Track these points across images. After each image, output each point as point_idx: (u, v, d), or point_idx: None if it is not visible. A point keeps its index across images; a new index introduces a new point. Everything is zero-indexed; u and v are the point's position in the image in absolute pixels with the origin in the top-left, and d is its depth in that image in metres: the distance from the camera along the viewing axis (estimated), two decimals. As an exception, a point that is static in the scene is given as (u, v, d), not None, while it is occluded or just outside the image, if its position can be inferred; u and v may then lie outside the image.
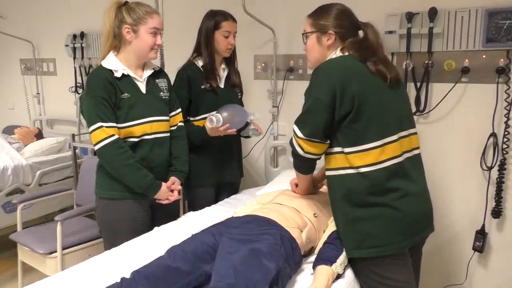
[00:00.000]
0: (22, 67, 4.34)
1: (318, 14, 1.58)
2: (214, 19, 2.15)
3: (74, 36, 3.72)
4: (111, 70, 1.83)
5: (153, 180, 1.86)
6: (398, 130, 1.49)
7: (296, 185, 1.86)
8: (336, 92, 1.41)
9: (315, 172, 1.78)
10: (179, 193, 2.02)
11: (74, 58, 3.77)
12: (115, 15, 1.82)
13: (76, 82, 3.84)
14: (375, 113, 1.44)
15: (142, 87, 1.91)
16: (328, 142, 1.50)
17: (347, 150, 1.46)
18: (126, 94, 1.84)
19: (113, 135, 1.77)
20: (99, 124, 1.76)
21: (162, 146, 1.96)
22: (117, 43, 1.87)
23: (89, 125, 1.79)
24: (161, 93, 1.98)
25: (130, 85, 1.87)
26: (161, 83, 2.00)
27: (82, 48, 3.70)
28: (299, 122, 1.52)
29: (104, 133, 1.76)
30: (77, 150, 3.32)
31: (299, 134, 1.50)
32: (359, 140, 1.44)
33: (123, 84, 1.85)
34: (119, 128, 1.82)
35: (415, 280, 1.63)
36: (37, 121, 4.19)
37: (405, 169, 1.48)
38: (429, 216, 1.59)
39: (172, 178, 1.98)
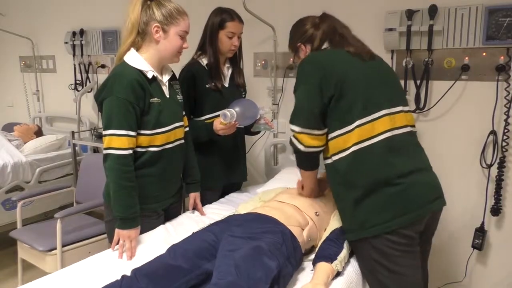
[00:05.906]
0: (22, 64, 4.33)
1: (290, 38, 1.79)
2: (220, 17, 2.09)
3: (74, 33, 3.71)
4: (139, 70, 1.66)
5: (138, 213, 1.67)
6: (386, 106, 1.50)
7: (303, 187, 1.83)
8: (323, 72, 1.50)
9: (319, 176, 1.78)
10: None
11: (74, 55, 3.77)
12: (142, 8, 1.65)
13: (75, 80, 3.83)
14: (359, 90, 1.49)
15: (166, 91, 1.77)
16: (326, 130, 1.53)
17: (337, 133, 1.50)
18: (156, 98, 1.70)
19: (132, 148, 1.64)
20: (128, 132, 1.61)
21: (181, 154, 1.88)
22: (139, 40, 1.69)
23: (111, 127, 1.60)
24: (177, 96, 1.86)
25: (158, 89, 1.73)
26: (176, 85, 1.88)
27: (81, 45, 3.69)
28: (293, 117, 1.57)
29: (129, 143, 1.61)
30: (76, 148, 3.32)
31: (296, 128, 1.55)
32: (346, 119, 1.48)
33: (153, 87, 1.70)
34: (146, 135, 1.68)
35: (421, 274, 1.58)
36: (36, 119, 4.19)
37: (398, 145, 1.49)
38: (434, 188, 1.54)
39: (193, 195, 2.02)
